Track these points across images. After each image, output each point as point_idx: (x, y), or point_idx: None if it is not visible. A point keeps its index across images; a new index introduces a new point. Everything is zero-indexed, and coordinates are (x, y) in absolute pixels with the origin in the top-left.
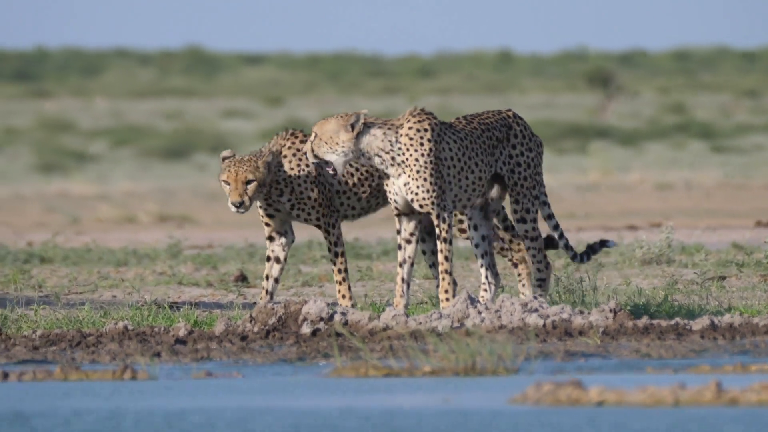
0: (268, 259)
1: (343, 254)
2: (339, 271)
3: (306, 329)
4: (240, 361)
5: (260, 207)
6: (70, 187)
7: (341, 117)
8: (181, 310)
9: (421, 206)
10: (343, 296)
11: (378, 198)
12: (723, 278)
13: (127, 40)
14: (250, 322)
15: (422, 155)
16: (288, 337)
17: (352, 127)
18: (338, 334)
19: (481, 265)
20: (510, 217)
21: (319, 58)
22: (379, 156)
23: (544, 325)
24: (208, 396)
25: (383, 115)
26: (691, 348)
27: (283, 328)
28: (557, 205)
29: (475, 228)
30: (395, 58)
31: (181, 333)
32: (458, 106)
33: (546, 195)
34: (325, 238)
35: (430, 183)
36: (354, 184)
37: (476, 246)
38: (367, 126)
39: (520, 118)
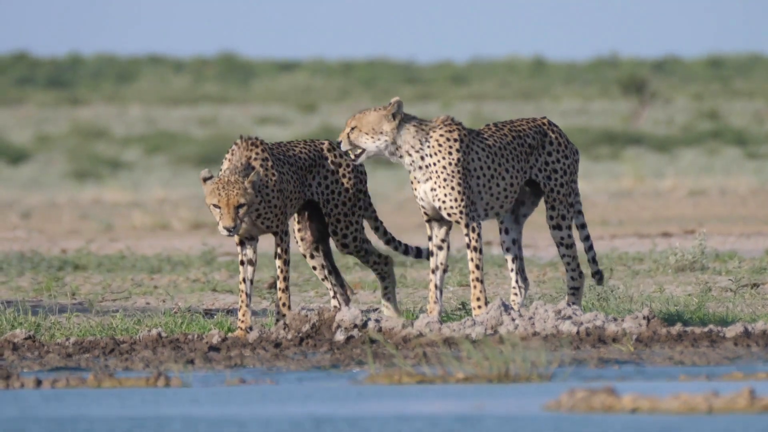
0: (242, 263)
1: (288, 262)
2: (285, 279)
3: (340, 336)
4: (273, 369)
5: None
6: (104, 194)
7: (381, 108)
8: (215, 317)
9: (449, 215)
10: (284, 304)
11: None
12: (757, 285)
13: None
14: (284, 329)
15: (450, 163)
16: (322, 344)
17: (394, 116)
18: (372, 341)
19: (512, 269)
20: (547, 223)
21: (353, 65)
22: (410, 154)
23: (578, 332)
24: (242, 403)
25: None
26: (725, 355)
27: (316, 335)
28: (590, 211)
29: (506, 231)
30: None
31: (215, 340)
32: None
33: (581, 204)
34: (278, 245)
35: (458, 192)
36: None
37: (507, 250)
38: (404, 120)
39: (555, 126)
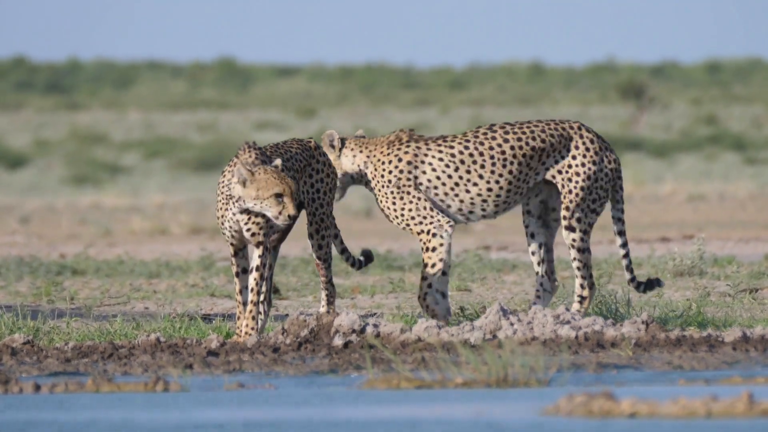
0: (237, 274)
1: (264, 277)
2: (258, 292)
3: (338, 341)
4: (272, 373)
5: (229, 226)
6: (103, 199)
7: (323, 140)
8: (214, 322)
9: (403, 229)
10: (253, 317)
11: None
12: (755, 290)
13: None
14: (282, 334)
15: (387, 183)
16: (320, 349)
17: (333, 147)
18: (370, 346)
19: (537, 272)
20: (561, 223)
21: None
22: (359, 178)
23: (577, 337)
24: (241, 408)
25: (416, 127)
26: (724, 360)
27: (315, 340)
28: None
29: (532, 236)
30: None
31: (213, 345)
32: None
33: (622, 212)
34: (260, 257)
35: (400, 207)
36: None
37: (532, 253)
38: (343, 146)
39: (589, 131)
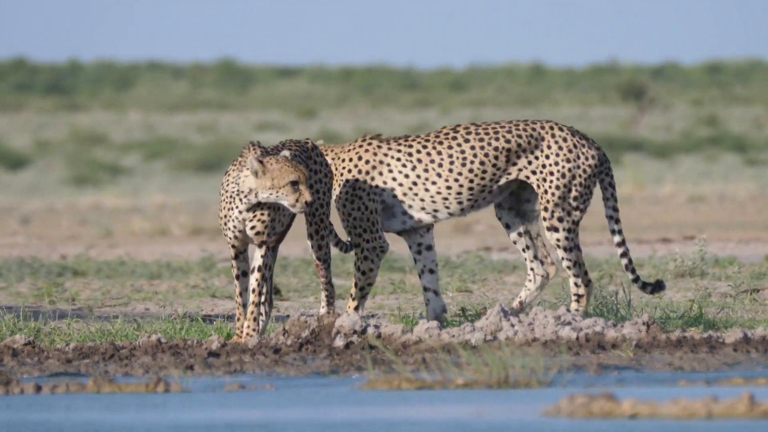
0: (238, 277)
1: (265, 278)
2: (260, 293)
3: (339, 342)
4: (273, 374)
5: (233, 226)
6: (103, 200)
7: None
8: (215, 323)
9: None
10: (254, 318)
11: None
12: (756, 291)
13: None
14: (283, 335)
15: (340, 185)
16: (321, 350)
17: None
18: (371, 347)
19: (525, 259)
20: (544, 225)
21: (352, 71)
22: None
23: (577, 338)
24: (242, 409)
25: (416, 128)
26: (724, 361)
27: (316, 341)
28: (590, 217)
29: (508, 227)
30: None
31: (214, 346)
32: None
33: (615, 209)
34: (262, 257)
35: (345, 214)
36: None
37: (514, 243)
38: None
39: (562, 129)
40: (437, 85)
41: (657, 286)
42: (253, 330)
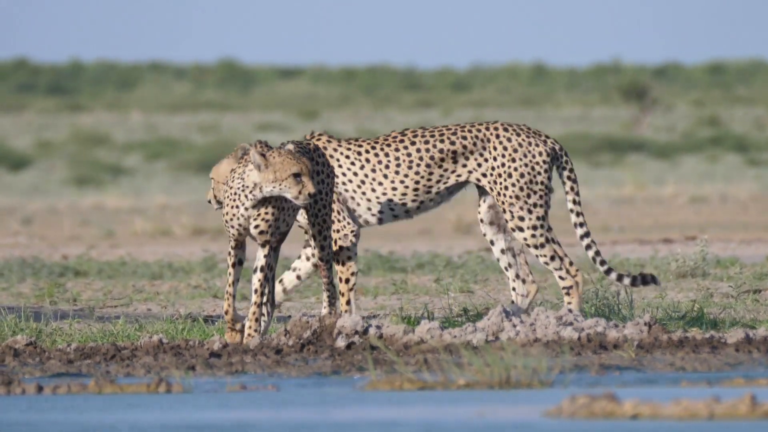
0: (234, 265)
1: (268, 278)
2: (262, 294)
3: (341, 342)
4: (274, 375)
5: (238, 223)
6: (105, 200)
7: (230, 156)
8: (216, 323)
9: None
10: (256, 319)
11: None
12: (758, 291)
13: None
14: (285, 335)
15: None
16: (323, 350)
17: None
18: (373, 348)
19: (508, 278)
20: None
21: (354, 72)
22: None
23: (579, 339)
24: (243, 409)
25: (418, 128)
26: (726, 361)
27: (317, 341)
28: (592, 218)
29: (492, 243)
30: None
31: (216, 346)
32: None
33: (575, 203)
34: (265, 257)
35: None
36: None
37: (497, 260)
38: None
39: (507, 129)
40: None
41: (644, 279)
42: (255, 330)
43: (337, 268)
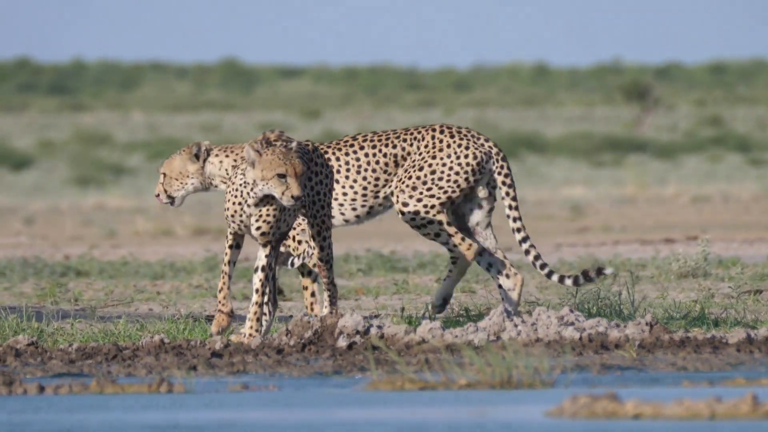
0: (231, 247)
1: (269, 277)
2: (263, 293)
3: (342, 342)
4: (276, 375)
5: (240, 220)
6: (107, 200)
7: (184, 151)
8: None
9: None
10: (258, 319)
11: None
12: (759, 291)
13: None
14: (286, 335)
15: (241, 184)
16: (324, 350)
17: (197, 157)
18: (374, 348)
19: (492, 277)
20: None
21: (356, 71)
22: (224, 182)
23: (581, 339)
24: (245, 409)
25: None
26: (728, 361)
27: (319, 341)
28: (594, 217)
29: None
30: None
31: (218, 346)
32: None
33: (512, 207)
34: (266, 256)
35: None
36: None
37: (478, 263)
38: (208, 153)
39: (442, 132)
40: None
41: (584, 277)
42: (256, 330)
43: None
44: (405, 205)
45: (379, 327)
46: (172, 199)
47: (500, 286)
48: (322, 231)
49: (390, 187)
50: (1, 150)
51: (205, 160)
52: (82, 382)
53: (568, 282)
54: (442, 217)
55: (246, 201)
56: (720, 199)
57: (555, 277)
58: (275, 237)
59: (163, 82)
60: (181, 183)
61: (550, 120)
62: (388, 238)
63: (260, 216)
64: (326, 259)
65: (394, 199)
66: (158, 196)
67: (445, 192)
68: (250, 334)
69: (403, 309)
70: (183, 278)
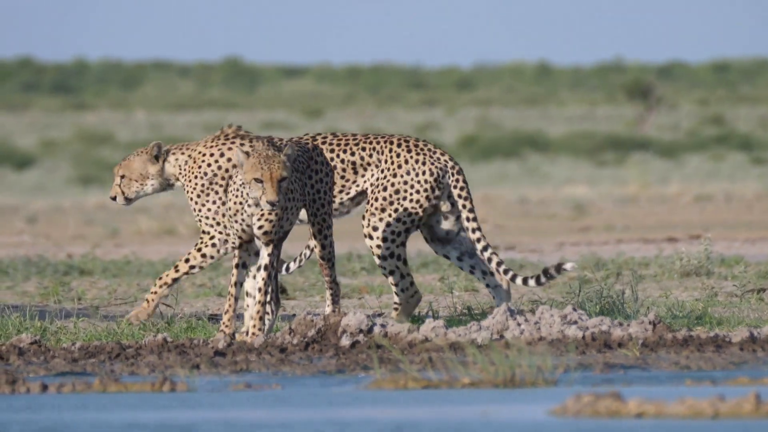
0: (237, 266)
1: (272, 276)
2: (266, 292)
3: (345, 341)
4: (279, 373)
5: (241, 219)
6: (109, 199)
7: (143, 152)
8: (221, 322)
9: (197, 224)
10: (260, 318)
11: None
12: (762, 290)
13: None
14: (290, 334)
15: (196, 177)
16: (327, 349)
17: (156, 158)
18: (378, 346)
19: (479, 279)
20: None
21: (359, 70)
22: (179, 180)
23: (584, 337)
24: (248, 408)
25: (422, 127)
26: (731, 360)
27: (322, 340)
28: (596, 217)
29: (446, 257)
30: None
31: (220, 345)
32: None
33: (469, 219)
34: (269, 255)
35: (199, 204)
36: None
37: (461, 269)
38: (167, 153)
39: (399, 145)
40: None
41: (545, 274)
42: (259, 329)
43: (193, 252)
44: (375, 229)
45: (383, 326)
46: (129, 201)
47: (488, 285)
48: (323, 229)
49: (346, 193)
50: (3, 149)
51: (164, 161)
52: (85, 380)
53: (531, 283)
54: (402, 252)
55: (246, 201)
56: (723, 198)
57: (519, 280)
58: (278, 236)
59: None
60: (141, 184)
61: (552, 119)
62: None
63: (263, 216)
64: (328, 257)
65: (364, 222)
66: (115, 198)
67: (410, 214)
68: (254, 333)
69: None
70: (186, 277)
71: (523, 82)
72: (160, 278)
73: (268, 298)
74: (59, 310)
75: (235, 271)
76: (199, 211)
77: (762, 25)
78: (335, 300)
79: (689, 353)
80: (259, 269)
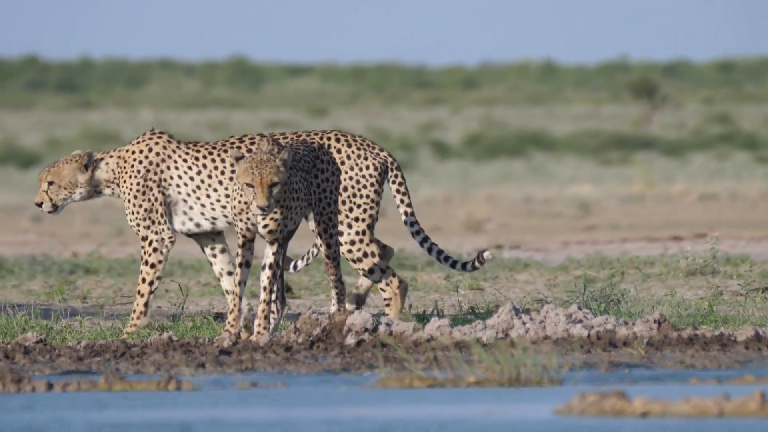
0: (241, 265)
1: (277, 275)
2: (271, 291)
3: (350, 340)
4: (284, 372)
5: (247, 218)
6: (115, 198)
7: (72, 160)
8: (226, 321)
9: (134, 230)
10: (265, 317)
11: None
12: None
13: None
14: (295, 332)
15: (131, 177)
16: (332, 347)
17: (86, 167)
18: (383, 345)
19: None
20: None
21: (364, 70)
22: (109, 187)
23: (589, 336)
24: (253, 407)
25: (427, 126)
26: (736, 359)
27: (327, 338)
28: (601, 215)
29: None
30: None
31: (226, 344)
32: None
33: (407, 214)
34: (274, 254)
35: (135, 206)
36: None
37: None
38: (97, 161)
39: (339, 140)
40: (449, 83)
41: (478, 259)
42: (264, 328)
43: (144, 268)
44: (341, 234)
45: (388, 324)
46: (56, 208)
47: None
48: (328, 228)
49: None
50: (9, 148)
51: (94, 169)
52: (90, 379)
53: (469, 267)
54: (375, 248)
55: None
56: (727, 196)
57: (458, 266)
58: (283, 235)
59: (171, 80)
60: (69, 192)
61: (557, 118)
62: (397, 236)
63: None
64: (333, 256)
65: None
66: (41, 204)
67: (365, 210)
68: (259, 332)
69: (411, 306)
70: (191, 276)
71: (528, 81)
72: (134, 311)
73: (274, 297)
74: (65, 309)
75: (238, 270)
76: (136, 213)
77: (767, 24)
78: (340, 299)
79: (694, 352)
80: (263, 268)
